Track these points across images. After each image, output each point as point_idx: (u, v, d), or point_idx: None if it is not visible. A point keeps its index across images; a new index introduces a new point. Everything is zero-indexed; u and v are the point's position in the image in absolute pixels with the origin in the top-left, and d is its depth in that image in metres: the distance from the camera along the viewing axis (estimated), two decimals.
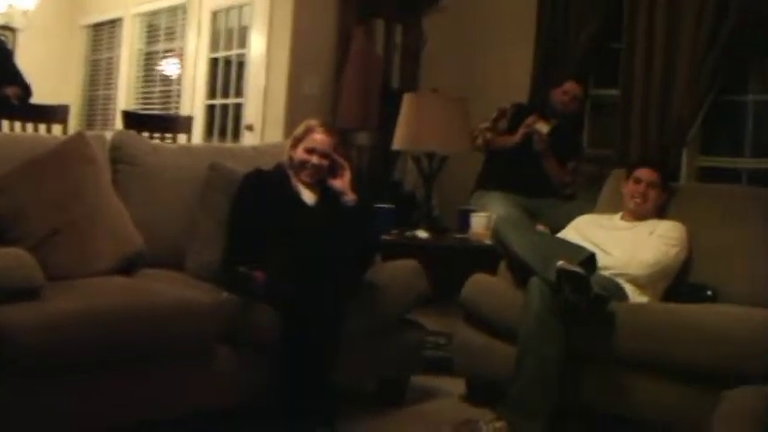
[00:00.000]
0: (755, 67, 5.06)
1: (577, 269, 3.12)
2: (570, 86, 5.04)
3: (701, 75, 4.90)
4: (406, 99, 4.73)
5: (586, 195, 4.76)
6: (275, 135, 5.70)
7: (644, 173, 3.88)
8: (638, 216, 3.84)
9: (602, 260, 3.44)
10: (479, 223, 4.42)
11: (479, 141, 5.01)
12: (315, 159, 3.42)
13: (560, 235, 3.91)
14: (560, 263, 3.14)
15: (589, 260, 3.28)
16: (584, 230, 3.87)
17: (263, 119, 6.00)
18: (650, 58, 5.12)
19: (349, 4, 5.91)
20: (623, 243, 3.68)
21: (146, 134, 5.21)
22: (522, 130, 4.89)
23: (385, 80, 6.09)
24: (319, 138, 3.44)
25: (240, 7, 6.56)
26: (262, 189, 3.34)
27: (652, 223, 3.77)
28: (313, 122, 3.51)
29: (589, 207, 4.24)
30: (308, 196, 3.42)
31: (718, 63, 4.86)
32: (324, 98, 5.85)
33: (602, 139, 5.64)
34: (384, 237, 4.03)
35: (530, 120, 4.88)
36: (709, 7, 4.89)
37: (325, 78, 5.88)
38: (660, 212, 3.87)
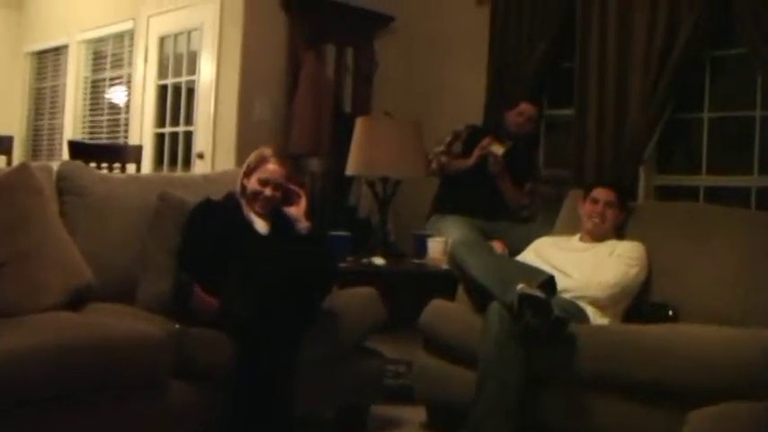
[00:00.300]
0: (710, 83, 5.12)
1: (538, 293, 3.12)
2: (524, 107, 5.07)
3: (655, 92, 4.95)
4: (359, 123, 4.72)
5: (544, 217, 4.78)
6: (226, 162, 5.68)
7: (601, 192, 3.91)
8: (597, 236, 3.86)
9: (561, 282, 3.45)
10: (436, 248, 4.42)
11: (434, 165, 5.02)
12: (268, 191, 3.41)
13: (519, 258, 3.92)
14: (520, 287, 3.14)
15: (548, 282, 3.28)
16: (543, 252, 3.88)
17: (214, 146, 5.97)
18: (603, 76, 5.18)
19: (298, 28, 5.92)
20: (583, 264, 3.70)
21: (93, 164, 5.16)
22: (476, 153, 4.90)
23: (337, 104, 6.10)
24: (272, 168, 3.43)
25: (188, 32, 6.52)
26: (212, 218, 3.32)
27: (611, 244, 3.79)
28: (267, 152, 3.50)
29: (547, 229, 4.25)
30: (261, 225, 3.40)
31: (672, 80, 4.91)
32: (275, 123, 5.85)
33: (559, 159, 5.67)
34: (340, 264, 4.01)
35: (484, 142, 4.90)
36: (660, 24, 4.95)
37: (276, 103, 5.88)
38: (619, 232, 3.90)
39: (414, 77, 6.34)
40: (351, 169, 4.70)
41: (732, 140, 5.10)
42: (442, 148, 5.09)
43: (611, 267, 3.63)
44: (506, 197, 4.98)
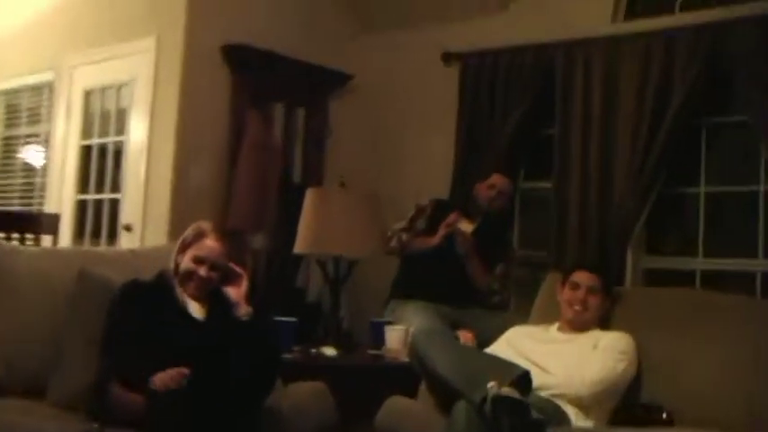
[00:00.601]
0: (707, 152, 5.18)
1: (515, 395, 3.12)
2: (496, 180, 5.14)
3: (645, 162, 5.02)
4: (310, 194, 4.76)
5: (518, 303, 4.80)
6: (158, 236, 5.64)
7: (582, 277, 3.94)
8: (578, 327, 3.88)
9: (538, 378, 3.45)
10: (395, 337, 4.44)
11: (394, 243, 5.08)
12: (203, 271, 3.40)
13: (490, 350, 3.92)
14: (491, 384, 3.13)
15: (523, 378, 3.28)
16: (518, 344, 3.89)
17: (144, 217, 5.92)
18: (587, 144, 5.26)
19: (243, 84, 5.95)
20: (563, 358, 3.70)
21: (2, 235, 5.11)
22: (442, 231, 4.96)
23: (285, 172, 6.12)
24: (210, 245, 3.44)
25: (118, 87, 6.51)
26: (141, 301, 3.30)
27: (595, 335, 3.81)
28: (205, 226, 3.50)
29: (521, 317, 4.27)
30: (196, 309, 3.38)
31: (664, 149, 4.97)
32: (214, 193, 5.84)
33: (535, 238, 5.73)
34: (285, 355, 4.02)
35: (451, 218, 4.95)
36: (650, 86, 5.05)
37: (216, 170, 5.88)
38: (603, 322, 3.92)
39: (372, 143, 6.40)
40: (299, 247, 4.72)
41: (733, 218, 5.14)
42: (403, 224, 5.16)
43: (596, 362, 3.63)
44: (475, 281, 5.02)
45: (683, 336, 3.70)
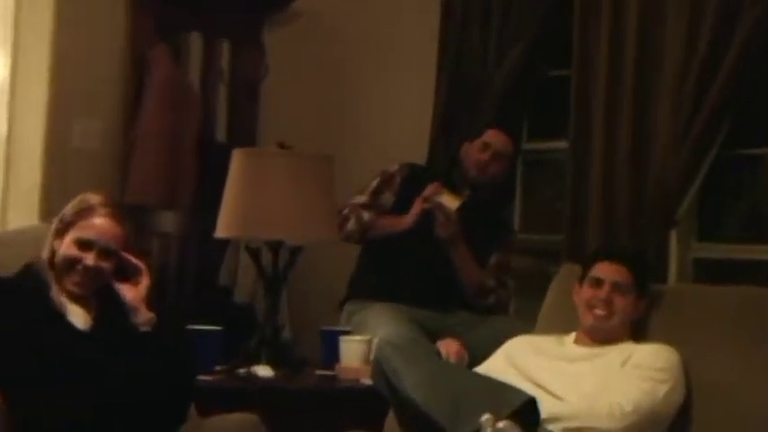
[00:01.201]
0: None
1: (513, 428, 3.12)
2: (492, 138, 5.11)
3: (696, 115, 4.93)
4: (238, 159, 4.73)
5: (520, 306, 4.79)
6: (24, 215, 5.53)
7: (606, 270, 3.94)
8: (602, 337, 3.88)
9: (549, 408, 3.47)
10: (354, 351, 4.44)
11: (352, 225, 5.05)
12: (90, 259, 3.36)
13: (483, 368, 3.94)
14: (486, 418, 3.14)
15: (527, 408, 3.31)
16: (520, 361, 3.90)
17: (5, 189, 5.83)
18: (615, 90, 5.18)
19: (146, 7, 5.84)
20: (582, 381, 3.72)
21: None
22: (417, 207, 4.92)
23: (204, 128, 6.05)
24: (101, 224, 3.40)
25: None
26: (3, 307, 3.27)
27: (625, 348, 3.82)
28: (93, 199, 3.47)
29: (525, 324, 4.31)
30: (79, 315, 3.37)
31: (724, 97, 4.89)
32: (107, 157, 5.76)
33: (544, 218, 5.76)
34: (203, 377, 4.02)
35: (430, 190, 4.91)
36: (708, 9, 4.93)
37: (110, 124, 5.80)
38: (637, 331, 3.92)
39: (323, 89, 6.36)
40: (224, 229, 4.71)
41: None
42: (364, 198, 5.14)
43: (627, 384, 3.64)
44: (462, 275, 5.01)
45: (747, 350, 3.73)
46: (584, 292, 3.93)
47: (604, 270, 3.92)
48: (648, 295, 3.97)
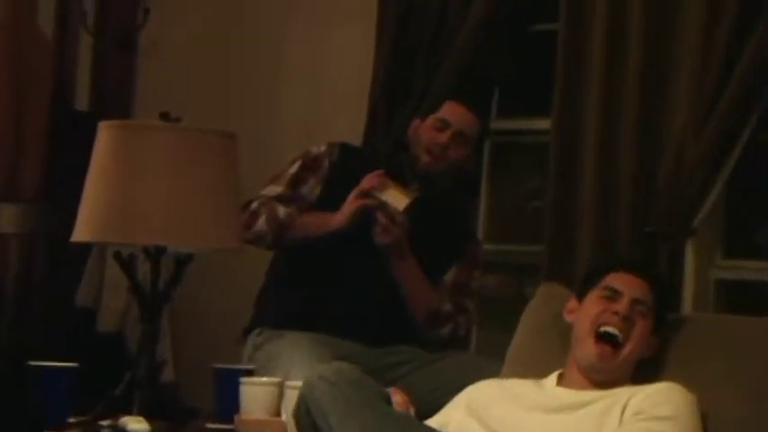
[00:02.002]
0: None
1: None
2: (452, 113, 5.19)
3: (724, 87, 5.01)
4: (105, 135, 4.72)
5: (484, 338, 4.82)
6: None
7: (625, 281, 4.04)
8: (602, 377, 3.96)
9: None
10: (259, 398, 4.41)
11: (262, 224, 5.08)
12: None
13: (435, 422, 4.00)
14: None
15: None
16: (486, 412, 3.97)
17: None
18: (618, 48, 5.27)
19: None
20: None
21: None
22: (353, 203, 4.97)
23: (58, 93, 6.11)
24: None
25: None
26: None
27: (622, 393, 3.87)
28: None
29: (489, 364, 4.42)
30: None
31: (762, 59, 4.98)
32: None
33: (517, 223, 5.87)
34: None
35: (370, 182, 4.98)
36: None
37: None
38: (637, 372, 4.01)
39: (225, 46, 6.45)
40: (84, 231, 4.68)
41: None
42: (280, 189, 5.19)
43: None
44: (408, 297, 5.07)
45: None
46: (592, 308, 4.01)
47: (624, 281, 4.02)
48: (662, 330, 4.06)
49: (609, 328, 3.91)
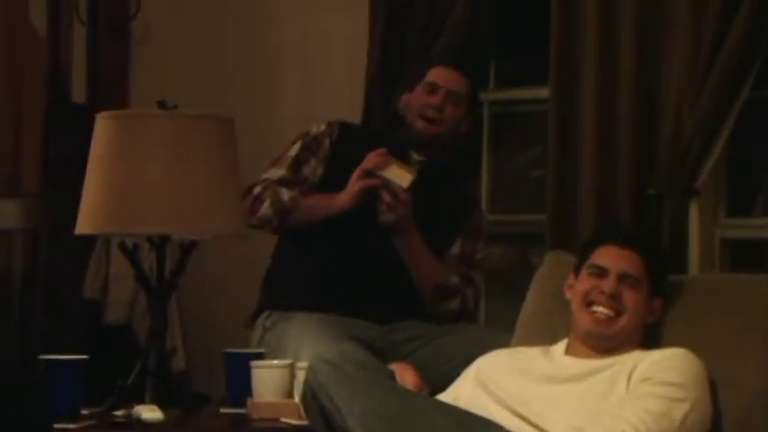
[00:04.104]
0: None
1: None
2: (439, 75, 5.16)
3: (722, 43, 4.98)
4: (103, 126, 4.69)
5: (492, 310, 4.79)
6: None
7: (611, 255, 4.00)
8: (604, 345, 3.94)
9: None
10: (270, 381, 4.43)
11: (267, 208, 5.04)
12: None
13: (447, 396, 3.98)
14: None
15: None
16: (495, 384, 3.95)
17: None
18: (614, 11, 5.24)
19: None
20: (576, 405, 3.76)
21: None
22: (357, 183, 4.95)
23: (54, 85, 6.10)
24: None
25: None
26: None
27: (630, 359, 3.85)
28: None
29: (499, 335, 4.39)
30: None
31: (753, 23, 4.95)
32: None
33: (519, 192, 5.86)
34: (64, 426, 4.01)
35: (373, 160, 4.95)
36: None
37: None
38: (648, 338, 3.98)
39: (221, 32, 6.42)
40: (87, 222, 4.67)
41: None
42: (282, 171, 5.16)
43: (633, 406, 3.66)
44: (415, 273, 5.06)
45: None
46: (581, 285, 3.98)
47: (609, 256, 3.98)
48: (665, 293, 4.02)
49: (599, 308, 3.90)
